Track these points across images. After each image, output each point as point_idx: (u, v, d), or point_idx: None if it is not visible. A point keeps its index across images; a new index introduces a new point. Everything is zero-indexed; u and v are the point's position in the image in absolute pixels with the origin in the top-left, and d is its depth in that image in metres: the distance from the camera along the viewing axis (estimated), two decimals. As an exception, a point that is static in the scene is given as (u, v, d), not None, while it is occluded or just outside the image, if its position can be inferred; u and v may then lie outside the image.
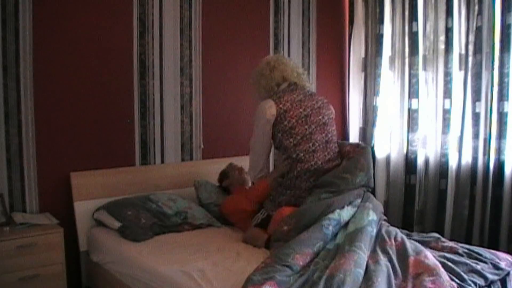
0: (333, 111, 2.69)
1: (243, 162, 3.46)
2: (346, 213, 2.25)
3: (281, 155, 2.58)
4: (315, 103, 2.57)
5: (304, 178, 2.47)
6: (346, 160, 2.56)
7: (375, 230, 2.20)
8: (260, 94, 2.70)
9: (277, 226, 2.25)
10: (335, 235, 2.17)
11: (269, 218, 2.49)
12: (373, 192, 3.95)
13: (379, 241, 2.15)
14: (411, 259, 1.96)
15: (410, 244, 2.10)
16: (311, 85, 2.71)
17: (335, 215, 2.20)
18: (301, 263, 1.95)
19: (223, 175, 3.15)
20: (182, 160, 3.42)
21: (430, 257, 1.97)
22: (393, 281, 1.82)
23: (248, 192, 2.78)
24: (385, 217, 2.43)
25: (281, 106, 2.49)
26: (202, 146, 3.48)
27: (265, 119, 2.51)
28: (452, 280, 1.83)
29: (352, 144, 2.71)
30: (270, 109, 2.50)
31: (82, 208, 2.88)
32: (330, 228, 2.15)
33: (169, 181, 3.25)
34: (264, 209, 2.58)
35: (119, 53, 3.09)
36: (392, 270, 1.90)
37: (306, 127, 2.49)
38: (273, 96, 2.57)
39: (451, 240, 2.35)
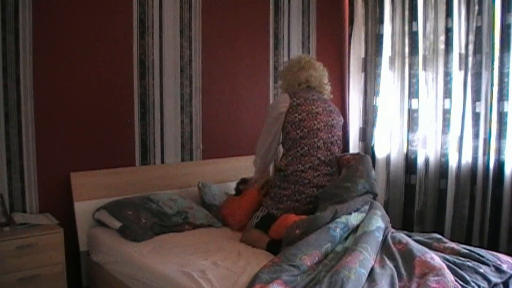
0: (342, 120, 2.77)
1: (243, 162, 3.47)
2: (354, 217, 2.26)
3: (284, 151, 2.63)
4: (327, 106, 2.66)
5: (309, 172, 2.51)
6: (345, 169, 2.59)
7: (381, 237, 2.20)
8: (282, 86, 2.83)
9: (289, 230, 2.23)
10: (345, 238, 2.16)
11: (269, 216, 2.49)
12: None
13: (385, 247, 2.14)
14: (417, 259, 1.97)
15: (416, 246, 2.10)
16: (330, 96, 2.83)
17: (342, 219, 2.21)
18: (308, 263, 1.96)
19: (242, 180, 3.13)
20: (182, 160, 3.42)
21: (436, 258, 1.97)
22: (397, 283, 1.82)
23: (241, 199, 2.81)
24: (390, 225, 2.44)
25: (295, 99, 2.59)
26: (201, 147, 3.48)
27: (278, 111, 2.59)
28: (456, 281, 1.82)
29: (351, 154, 2.76)
30: (284, 101, 2.60)
31: (82, 208, 2.88)
32: (338, 230, 2.15)
33: (169, 181, 3.24)
34: (263, 207, 2.58)
35: (119, 53, 3.09)
36: (397, 273, 1.90)
37: (315, 122, 2.56)
38: (290, 92, 2.67)
39: (451, 240, 2.34)
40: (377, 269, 1.91)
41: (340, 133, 2.72)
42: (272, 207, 2.53)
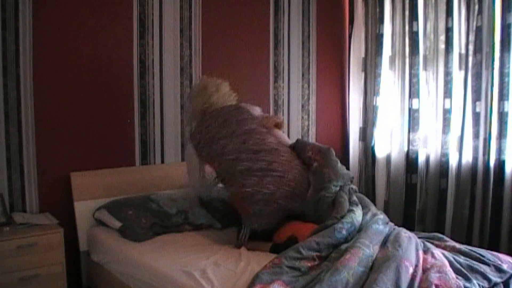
0: (259, 111, 2.77)
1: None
2: (358, 213, 2.24)
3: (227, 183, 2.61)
4: (235, 120, 2.64)
5: (265, 180, 2.45)
6: (311, 176, 2.49)
7: (381, 227, 2.19)
8: (192, 122, 2.93)
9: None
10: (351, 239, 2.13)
11: (255, 232, 2.45)
12: (373, 191, 3.99)
13: (392, 240, 2.13)
14: (420, 252, 1.97)
15: (418, 241, 2.10)
16: (233, 96, 2.88)
17: (348, 218, 2.17)
18: (309, 265, 1.95)
19: None
20: (182, 159, 3.41)
21: (437, 256, 1.97)
22: (404, 270, 1.80)
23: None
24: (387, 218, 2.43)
25: (199, 139, 2.64)
26: None
27: (196, 161, 2.66)
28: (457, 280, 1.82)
29: (313, 148, 2.61)
30: (193, 155, 2.66)
31: (82, 208, 2.87)
32: (344, 231, 2.11)
33: (169, 181, 3.24)
34: (244, 225, 2.49)
35: (119, 53, 3.09)
36: (406, 255, 1.89)
37: (236, 163, 2.50)
38: (196, 135, 2.69)
39: (451, 239, 2.34)
40: (380, 259, 1.90)
41: (261, 133, 2.60)
42: (250, 223, 2.46)
